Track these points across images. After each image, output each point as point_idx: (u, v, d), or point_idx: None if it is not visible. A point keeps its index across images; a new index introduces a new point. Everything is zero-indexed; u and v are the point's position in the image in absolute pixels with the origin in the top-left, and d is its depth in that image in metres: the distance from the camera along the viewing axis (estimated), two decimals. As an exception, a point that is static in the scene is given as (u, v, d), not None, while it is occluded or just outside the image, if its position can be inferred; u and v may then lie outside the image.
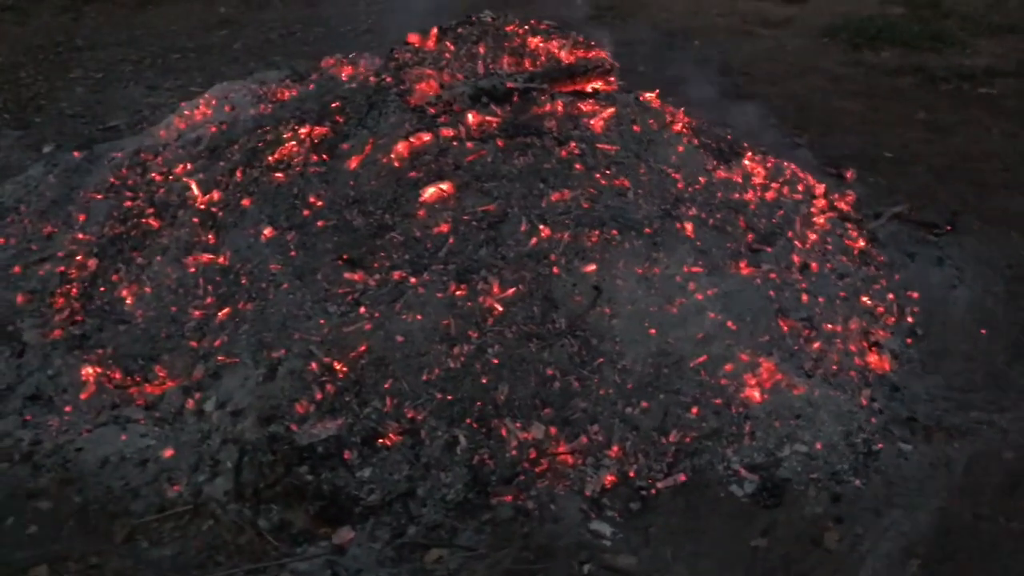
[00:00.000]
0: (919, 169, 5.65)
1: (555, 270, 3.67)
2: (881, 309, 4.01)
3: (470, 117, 4.15)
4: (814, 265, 4.06)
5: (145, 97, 8.19)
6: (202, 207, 4.53)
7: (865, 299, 4.02)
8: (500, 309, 3.56)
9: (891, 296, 4.12)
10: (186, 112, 6.34)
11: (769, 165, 4.86)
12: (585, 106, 4.29)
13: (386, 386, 3.44)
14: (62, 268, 4.93)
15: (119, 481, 3.48)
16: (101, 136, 7.24)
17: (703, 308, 3.64)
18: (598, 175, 3.99)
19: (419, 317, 3.56)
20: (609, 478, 3.27)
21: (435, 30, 4.73)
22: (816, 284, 3.97)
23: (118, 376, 3.95)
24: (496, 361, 3.47)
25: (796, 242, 4.17)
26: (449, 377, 3.45)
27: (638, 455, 3.32)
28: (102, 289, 4.54)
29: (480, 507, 3.22)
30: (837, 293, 3.97)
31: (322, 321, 3.66)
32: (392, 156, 4.12)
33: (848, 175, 5.33)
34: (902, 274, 4.36)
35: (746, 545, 3.04)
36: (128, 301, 4.30)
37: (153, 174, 5.59)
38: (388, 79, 4.46)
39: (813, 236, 4.31)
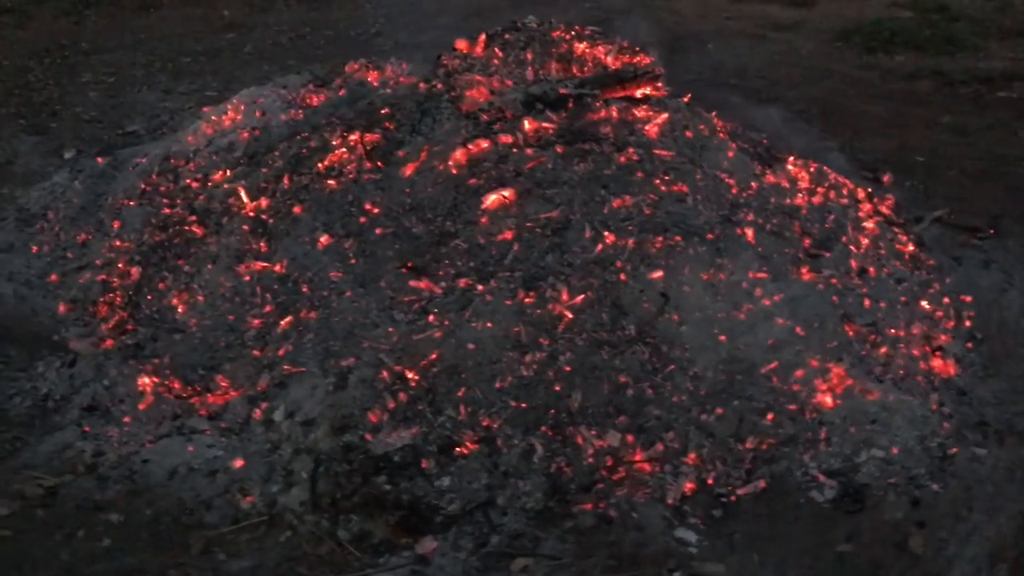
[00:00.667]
0: (952, 173, 5.69)
1: (622, 277, 3.67)
2: (940, 313, 4.04)
3: (527, 124, 4.14)
4: (872, 270, 4.08)
5: (161, 101, 8.13)
6: (251, 214, 4.50)
7: (924, 303, 4.05)
8: (570, 316, 3.56)
9: (946, 300, 4.16)
10: (213, 118, 6.30)
11: (812, 170, 4.88)
12: (639, 112, 4.30)
13: (459, 394, 3.42)
14: (103, 276, 4.88)
15: (189, 492, 3.45)
16: (121, 141, 7.19)
17: (771, 314, 3.65)
18: (657, 181, 4.00)
19: (489, 325, 3.55)
20: (688, 485, 3.27)
21: (483, 36, 4.72)
22: (876, 289, 3.99)
23: (177, 386, 3.92)
24: (568, 368, 3.47)
25: (851, 247, 4.19)
26: (522, 385, 3.45)
27: (715, 462, 3.33)
28: (149, 298, 4.50)
29: (561, 515, 3.21)
30: (897, 298, 4.00)
31: (390, 329, 3.64)
32: (450, 163, 4.11)
33: (885, 179, 5.36)
34: (952, 278, 4.39)
35: (832, 550, 3.04)
36: (180, 310, 4.27)
37: (187, 180, 5.55)
38: (439, 85, 4.45)
39: (865, 241, 4.33)
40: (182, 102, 8.08)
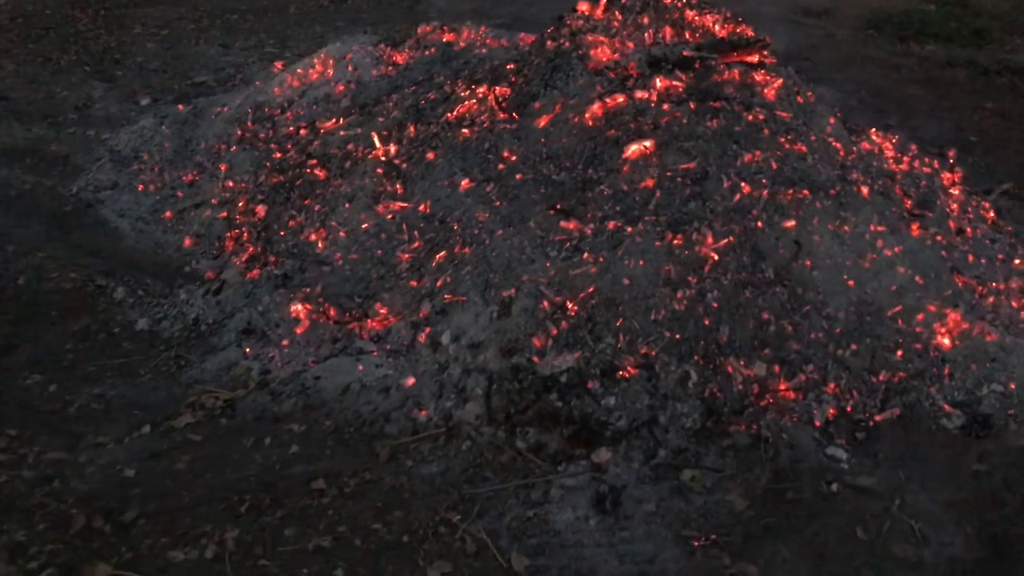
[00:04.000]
0: (1008, 152, 6.11)
1: (759, 224, 3.97)
2: (1031, 271, 4.43)
3: (658, 81, 4.43)
4: (969, 230, 4.45)
5: (222, 56, 8.29)
6: (382, 158, 4.74)
7: (1017, 261, 4.43)
8: (715, 257, 3.87)
9: (1032, 260, 4.55)
10: (299, 71, 6.51)
11: (893, 141, 5.24)
12: (758, 76, 4.61)
13: (617, 324, 3.71)
14: (224, 213, 5.10)
15: (366, 407, 3.72)
16: (193, 91, 7.37)
17: (892, 263, 3.99)
18: (782, 139, 4.32)
19: (641, 263, 3.84)
20: (831, 411, 3.61)
21: (604, 0, 4.99)
22: (974, 247, 4.36)
23: (333, 313, 4.16)
24: (716, 305, 3.78)
25: (946, 209, 4.55)
26: (675, 318, 3.75)
27: (852, 392, 3.67)
28: (282, 233, 4.73)
29: (718, 434, 3.53)
30: (995, 255, 4.37)
31: (547, 264, 3.92)
32: (586, 116, 4.39)
33: (951, 154, 5.73)
34: (1029, 243, 4.78)
35: (968, 469, 3.40)
36: (320, 245, 4.51)
37: (290, 128, 5.77)
38: (566, 44, 4.71)
39: (954, 205, 4.69)
40: (243, 57, 8.24)
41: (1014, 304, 4.16)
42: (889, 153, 5.04)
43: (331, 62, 6.42)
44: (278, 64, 7.26)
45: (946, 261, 4.16)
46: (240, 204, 5.11)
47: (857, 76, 7.83)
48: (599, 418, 3.52)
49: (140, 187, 5.64)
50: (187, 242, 4.97)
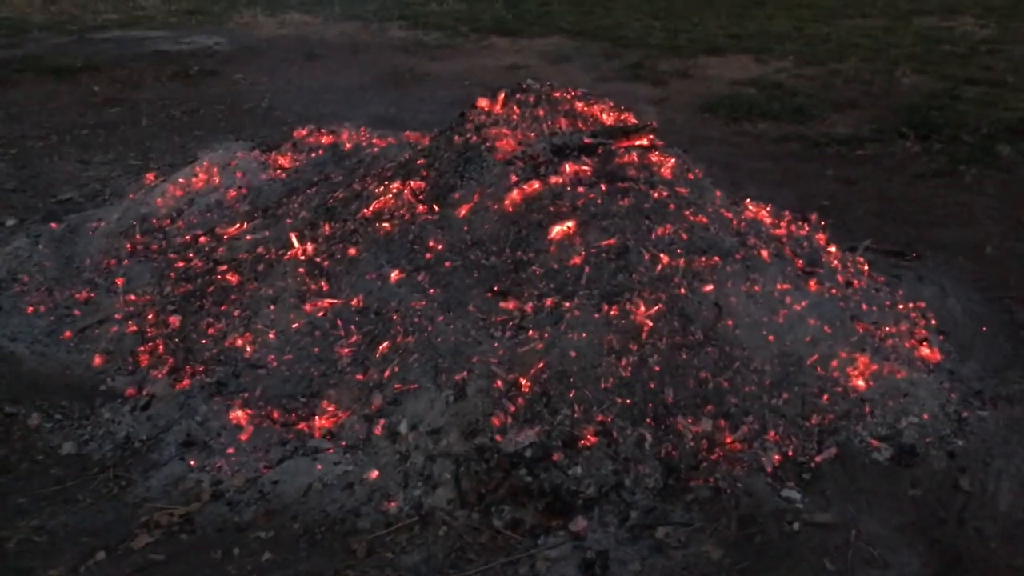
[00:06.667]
0: (858, 213, 6.76)
1: (682, 291, 4.26)
2: (914, 315, 4.91)
3: (568, 167, 4.71)
4: (856, 283, 4.91)
5: (82, 171, 8.05)
6: (302, 258, 4.75)
7: (900, 306, 4.91)
8: (650, 324, 4.11)
9: (911, 304, 5.04)
10: (181, 180, 6.43)
11: (768, 209, 5.73)
12: (654, 156, 4.97)
13: (571, 395, 3.87)
14: (134, 327, 4.94)
15: (332, 505, 3.67)
16: (60, 209, 7.09)
17: (803, 317, 4.35)
18: (686, 212, 4.66)
19: (584, 335, 4.03)
20: (776, 457, 3.87)
21: (503, 95, 5.26)
22: (864, 296, 4.80)
23: (277, 415, 4.10)
24: (658, 368, 4.00)
25: (831, 265, 5.01)
26: (623, 384, 3.94)
27: (791, 437, 3.95)
28: (203, 342, 4.63)
29: (680, 490, 3.71)
30: (882, 303, 4.83)
31: (495, 344, 4.04)
32: (506, 203, 4.59)
33: (812, 217, 6.29)
34: (902, 290, 5.30)
35: (905, 494, 3.72)
36: (248, 350, 4.44)
37: (187, 237, 5.68)
38: (474, 138, 4.93)
39: (835, 262, 5.17)
40: (106, 171, 8.03)
41: (907, 344, 4.61)
42: (767, 220, 5.49)
43: (216, 169, 6.38)
44: (150, 176, 7.12)
45: (845, 311, 4.56)
46: (150, 316, 4.96)
47: (705, 155, 8.41)
48: (569, 488, 3.63)
49: (29, 309, 5.36)
50: (97, 360, 4.77)
